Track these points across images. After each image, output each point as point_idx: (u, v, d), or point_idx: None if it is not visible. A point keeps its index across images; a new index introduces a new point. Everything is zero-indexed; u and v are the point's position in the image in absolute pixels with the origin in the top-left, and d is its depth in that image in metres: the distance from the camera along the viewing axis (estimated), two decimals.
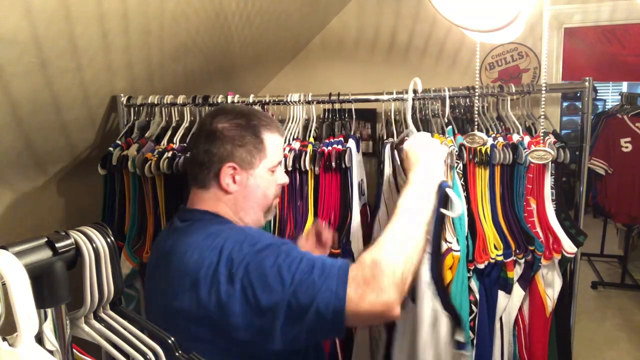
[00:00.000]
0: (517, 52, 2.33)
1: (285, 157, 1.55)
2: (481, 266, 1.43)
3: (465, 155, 1.48)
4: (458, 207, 1.07)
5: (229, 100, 1.67)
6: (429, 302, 1.12)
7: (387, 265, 0.87)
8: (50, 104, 1.43)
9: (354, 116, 1.82)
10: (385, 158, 1.47)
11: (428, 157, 1.12)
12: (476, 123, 1.46)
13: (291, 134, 1.67)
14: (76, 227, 0.58)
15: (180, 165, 1.54)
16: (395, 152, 1.42)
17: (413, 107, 1.81)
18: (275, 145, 1.12)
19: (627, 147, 3.38)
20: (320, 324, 0.85)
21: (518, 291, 1.49)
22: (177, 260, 0.97)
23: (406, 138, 1.49)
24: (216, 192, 1.08)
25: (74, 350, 0.58)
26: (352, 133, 1.78)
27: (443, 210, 1.09)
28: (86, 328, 0.60)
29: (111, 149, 1.64)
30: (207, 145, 1.07)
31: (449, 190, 1.08)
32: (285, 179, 1.17)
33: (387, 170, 1.46)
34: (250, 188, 1.09)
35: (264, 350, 0.90)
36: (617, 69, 3.56)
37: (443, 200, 1.08)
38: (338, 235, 1.48)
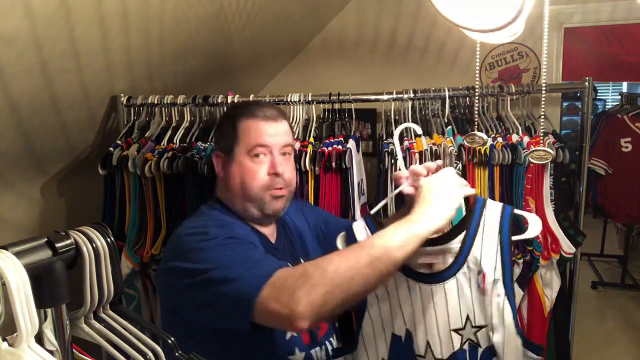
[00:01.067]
0: (517, 52, 2.33)
1: None
2: None
3: (464, 156, 1.48)
4: (536, 227, 0.97)
5: (229, 100, 1.67)
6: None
7: (314, 282, 0.83)
8: (50, 104, 1.43)
9: (354, 116, 1.82)
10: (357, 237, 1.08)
11: (439, 200, 0.95)
12: (476, 123, 1.46)
13: None
14: (76, 227, 0.58)
15: (181, 165, 1.55)
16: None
17: (413, 107, 1.81)
18: (249, 129, 1.10)
19: (627, 147, 3.38)
20: (230, 308, 0.90)
21: (516, 291, 1.49)
22: None
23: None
24: (219, 180, 1.17)
25: (74, 350, 0.58)
26: (352, 133, 1.78)
27: (517, 237, 0.99)
28: (86, 328, 0.60)
29: (111, 149, 1.64)
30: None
31: (521, 212, 0.99)
32: (275, 167, 1.10)
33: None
34: (231, 175, 1.11)
35: (203, 328, 0.99)
36: (617, 69, 3.56)
37: (509, 225, 0.98)
38: None
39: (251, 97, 1.68)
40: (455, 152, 1.48)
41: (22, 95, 1.31)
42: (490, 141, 1.50)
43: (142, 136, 1.72)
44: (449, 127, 1.67)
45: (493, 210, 1.00)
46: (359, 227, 1.05)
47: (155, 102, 1.72)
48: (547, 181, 1.52)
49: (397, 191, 1.06)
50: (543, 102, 1.22)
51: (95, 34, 1.32)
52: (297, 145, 1.61)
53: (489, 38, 1.12)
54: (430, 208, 0.93)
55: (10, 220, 1.64)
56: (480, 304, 0.98)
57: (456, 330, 1.01)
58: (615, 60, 3.48)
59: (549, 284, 1.52)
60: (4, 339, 0.46)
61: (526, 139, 1.53)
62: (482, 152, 1.48)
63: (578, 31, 3.15)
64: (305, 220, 1.28)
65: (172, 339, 0.65)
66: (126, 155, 1.60)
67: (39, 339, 0.52)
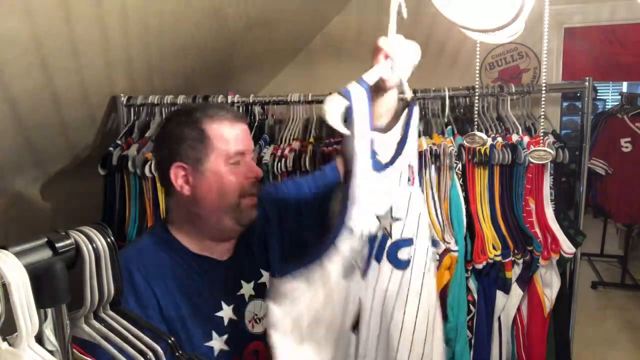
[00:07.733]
0: (517, 52, 2.32)
1: (286, 157, 1.55)
2: (479, 266, 1.43)
3: (464, 156, 1.48)
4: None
5: (229, 101, 1.67)
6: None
7: None
8: (51, 104, 1.43)
9: None
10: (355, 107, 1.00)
11: None
12: (476, 123, 1.46)
13: (291, 134, 1.67)
14: (76, 227, 0.58)
15: None
16: None
17: None
18: (224, 135, 1.00)
19: (627, 147, 3.38)
20: None
21: (516, 291, 1.49)
22: None
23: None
24: (177, 199, 1.03)
25: (74, 350, 0.58)
26: None
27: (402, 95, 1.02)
28: (86, 328, 0.60)
29: (111, 149, 1.64)
30: (156, 150, 1.07)
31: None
32: (254, 171, 1.04)
33: None
34: (204, 187, 1.00)
35: None
36: (617, 69, 3.56)
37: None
38: None
39: (251, 97, 1.68)
40: (455, 152, 1.48)
41: (22, 95, 1.31)
42: (490, 141, 1.50)
43: (142, 136, 1.72)
44: (449, 127, 1.67)
45: (415, 108, 1.03)
46: (359, 94, 0.96)
47: (155, 102, 1.72)
48: (547, 181, 1.52)
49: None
50: (543, 102, 1.23)
51: (95, 34, 1.32)
52: (298, 145, 1.61)
53: (489, 38, 1.12)
54: None
55: (10, 220, 1.64)
56: (401, 197, 0.96)
57: (378, 217, 0.95)
58: (615, 60, 3.48)
59: (548, 284, 1.52)
60: (4, 339, 0.46)
61: (526, 139, 1.53)
62: (482, 152, 1.48)
63: (578, 31, 3.15)
64: (265, 214, 1.12)
65: (172, 338, 0.66)
66: (126, 155, 1.60)
67: (39, 338, 0.52)
